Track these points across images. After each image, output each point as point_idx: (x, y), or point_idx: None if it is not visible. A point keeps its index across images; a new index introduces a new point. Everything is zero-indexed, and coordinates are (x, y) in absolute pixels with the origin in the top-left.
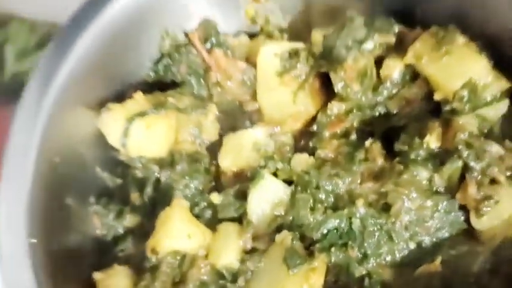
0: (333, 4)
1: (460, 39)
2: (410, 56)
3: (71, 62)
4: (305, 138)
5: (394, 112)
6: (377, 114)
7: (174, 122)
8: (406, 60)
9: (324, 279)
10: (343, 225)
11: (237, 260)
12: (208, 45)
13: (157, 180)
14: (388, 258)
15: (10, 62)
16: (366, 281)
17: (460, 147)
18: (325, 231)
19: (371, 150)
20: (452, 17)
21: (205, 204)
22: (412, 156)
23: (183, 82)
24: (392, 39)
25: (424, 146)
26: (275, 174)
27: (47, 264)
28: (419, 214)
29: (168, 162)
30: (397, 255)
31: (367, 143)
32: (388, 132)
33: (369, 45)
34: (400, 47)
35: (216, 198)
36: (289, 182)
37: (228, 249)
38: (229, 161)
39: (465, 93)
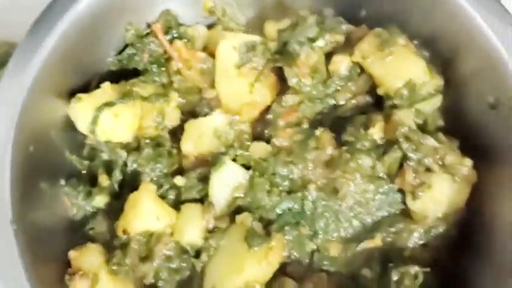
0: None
1: (401, 40)
2: (357, 55)
3: (43, 55)
4: (261, 126)
5: (341, 103)
6: (326, 105)
7: (139, 110)
8: (353, 58)
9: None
10: (296, 206)
11: (200, 237)
12: (169, 36)
13: (125, 163)
14: (335, 235)
15: None
16: (316, 255)
17: (400, 139)
18: (280, 212)
19: (321, 138)
20: (394, 17)
21: (169, 186)
22: (358, 146)
23: (145, 70)
24: (341, 38)
25: (369, 137)
26: (234, 160)
27: (23, 243)
28: (363, 197)
29: (134, 147)
30: (343, 232)
31: (318, 132)
32: (336, 122)
33: (320, 43)
34: (347, 44)
35: (179, 180)
36: (247, 167)
37: (192, 227)
38: (191, 146)
39: (405, 91)
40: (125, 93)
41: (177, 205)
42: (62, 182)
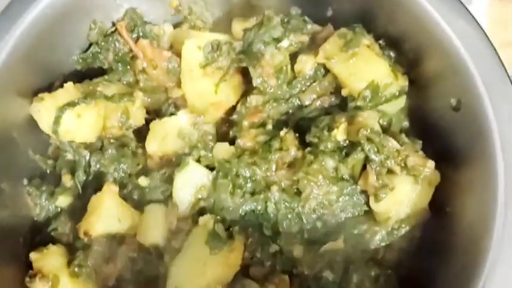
0: None
1: (366, 41)
2: (321, 56)
3: (4, 53)
4: (226, 126)
5: (306, 104)
6: (291, 106)
7: (102, 110)
8: (318, 59)
9: (242, 257)
10: (259, 208)
11: (163, 239)
12: (134, 34)
13: (88, 163)
14: (298, 236)
15: None
16: (279, 256)
17: (362, 141)
18: (243, 213)
19: (285, 139)
20: (360, 17)
21: (133, 186)
22: (321, 147)
23: (110, 69)
24: (306, 38)
25: (332, 138)
26: (198, 161)
27: None
28: (326, 198)
29: (98, 147)
30: (306, 234)
31: (282, 132)
32: (301, 123)
33: (284, 43)
34: (313, 44)
35: (143, 181)
36: (211, 168)
37: (155, 229)
38: (155, 147)
39: (368, 93)
40: (88, 93)
41: (141, 206)
42: (25, 181)
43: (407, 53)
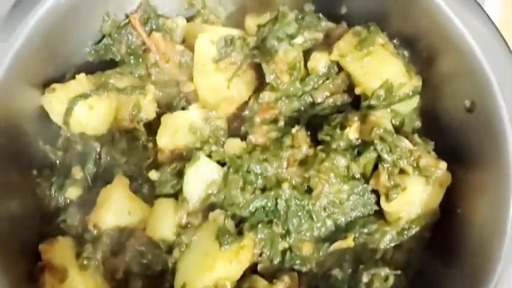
0: None
1: (380, 40)
2: (335, 54)
3: (18, 44)
4: (238, 121)
5: (319, 101)
6: (303, 103)
7: (114, 102)
8: (331, 57)
9: (252, 253)
10: (269, 204)
11: (173, 233)
12: (147, 27)
13: (99, 156)
14: (308, 234)
15: None
16: (288, 254)
17: (375, 141)
18: (253, 210)
19: (297, 137)
20: (374, 15)
21: (143, 180)
22: (333, 145)
23: (122, 61)
24: (320, 36)
25: (344, 137)
26: (209, 156)
27: None
28: (337, 197)
29: (109, 139)
30: (316, 232)
31: (294, 130)
32: (313, 120)
33: (298, 40)
34: (326, 41)
35: (153, 175)
36: (222, 163)
37: (164, 223)
38: (166, 140)
39: (382, 92)
40: (100, 85)
41: (150, 200)
42: (35, 172)
43: (421, 52)
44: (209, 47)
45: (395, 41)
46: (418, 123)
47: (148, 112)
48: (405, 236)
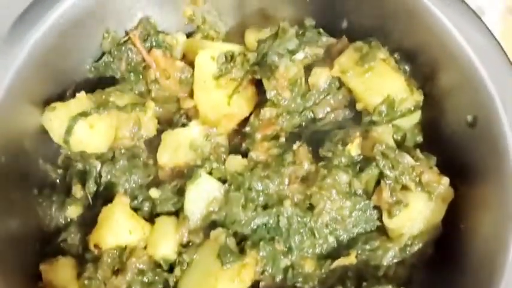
0: (266, 8)
1: (381, 55)
2: (337, 70)
3: (18, 61)
4: (238, 138)
5: (320, 117)
6: (305, 118)
7: (114, 121)
8: (333, 73)
9: (254, 272)
10: (271, 221)
11: (174, 251)
12: (147, 44)
13: (99, 174)
14: (310, 251)
15: None
16: (290, 271)
17: (377, 157)
18: (255, 227)
19: (298, 153)
20: (375, 29)
21: (143, 198)
22: (335, 162)
23: (122, 78)
24: (320, 51)
25: (346, 153)
26: (210, 173)
27: None
28: (339, 213)
29: (109, 158)
30: (318, 249)
31: (295, 146)
32: (314, 136)
33: (299, 55)
34: (327, 56)
35: (154, 193)
36: (223, 181)
37: (165, 241)
38: (167, 158)
39: (384, 108)
40: (100, 103)
41: (151, 217)
42: (35, 191)
43: (422, 67)
44: (209, 63)
45: (396, 56)
46: (419, 138)
47: (149, 129)
48: (408, 252)
